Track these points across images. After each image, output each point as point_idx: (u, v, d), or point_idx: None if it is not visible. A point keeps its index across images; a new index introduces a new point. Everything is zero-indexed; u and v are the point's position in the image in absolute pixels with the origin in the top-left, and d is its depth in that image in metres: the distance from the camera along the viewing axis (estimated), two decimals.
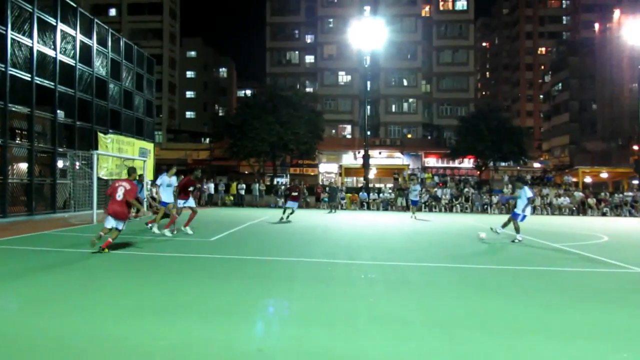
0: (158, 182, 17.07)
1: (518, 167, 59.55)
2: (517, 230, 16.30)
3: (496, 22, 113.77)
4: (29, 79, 21.75)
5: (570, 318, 6.96)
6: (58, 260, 10.77)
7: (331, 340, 5.70)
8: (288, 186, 23.07)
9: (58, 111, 23.62)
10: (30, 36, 21.85)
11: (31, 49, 21.85)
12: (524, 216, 16.24)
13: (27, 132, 21.94)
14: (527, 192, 16.16)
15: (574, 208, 40.22)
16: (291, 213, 24.31)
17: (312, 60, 71.41)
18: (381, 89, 67.54)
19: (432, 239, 17.39)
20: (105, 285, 8.39)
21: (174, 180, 17.01)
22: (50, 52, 23.22)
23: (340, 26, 65.71)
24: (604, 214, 39.30)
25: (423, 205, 38.70)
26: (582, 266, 11.73)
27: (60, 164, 24.12)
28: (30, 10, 21.84)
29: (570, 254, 13.76)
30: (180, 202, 16.55)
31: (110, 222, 11.79)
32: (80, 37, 25.56)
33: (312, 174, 60.99)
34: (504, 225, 16.52)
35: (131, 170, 13.18)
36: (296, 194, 24.62)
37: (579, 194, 41.60)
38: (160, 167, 19.16)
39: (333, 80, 68.76)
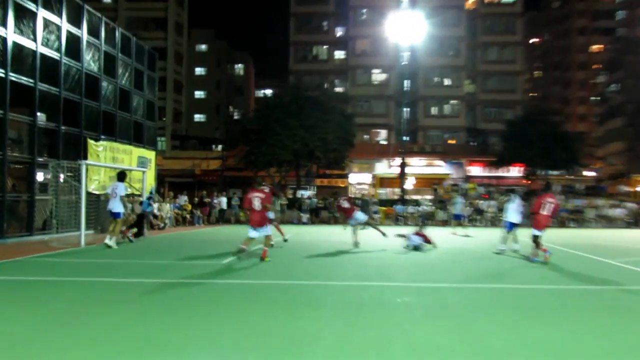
0: (122, 192, 19.04)
1: (570, 176, 60.62)
2: (505, 241, 18.66)
3: (546, 17, 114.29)
4: (3, 74, 20.85)
5: (634, 345, 7.08)
6: (36, 292, 10.67)
7: None
8: (341, 199, 21.65)
9: (38, 113, 22.79)
10: (4, 24, 20.94)
11: (4, 39, 20.93)
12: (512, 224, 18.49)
13: None
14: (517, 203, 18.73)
15: (631, 220, 40.47)
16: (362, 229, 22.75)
17: (343, 56, 71.41)
18: (420, 89, 67.47)
19: (476, 257, 17.75)
20: (94, 321, 8.10)
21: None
22: (29, 44, 22.28)
23: (375, 18, 65.72)
24: None
25: (466, 219, 37.90)
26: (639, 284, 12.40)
27: (40, 176, 23.35)
28: None
29: (626, 271, 14.42)
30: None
31: (253, 233, 15.03)
32: (66, 26, 24.76)
33: (342, 185, 61.33)
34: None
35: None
36: (348, 205, 21.31)
37: (632, 205, 42.29)
38: (122, 173, 19.38)
39: (366, 79, 68.67)
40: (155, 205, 30.44)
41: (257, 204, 14.83)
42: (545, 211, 16.35)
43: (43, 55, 22.94)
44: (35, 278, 12.23)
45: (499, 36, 70.41)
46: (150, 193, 26.39)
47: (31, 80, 22.19)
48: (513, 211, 18.41)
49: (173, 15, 77.87)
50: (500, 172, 61.33)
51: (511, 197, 19.01)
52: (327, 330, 7.46)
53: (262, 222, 15.01)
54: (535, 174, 56.34)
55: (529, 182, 56.87)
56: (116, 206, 18.95)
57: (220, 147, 70.59)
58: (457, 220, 31.07)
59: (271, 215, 18.12)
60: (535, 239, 16.29)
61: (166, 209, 32.84)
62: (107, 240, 18.44)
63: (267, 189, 16.02)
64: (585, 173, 68.41)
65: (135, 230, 22.11)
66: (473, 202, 42.09)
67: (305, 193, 52.47)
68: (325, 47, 71.85)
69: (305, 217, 40.07)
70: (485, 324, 7.98)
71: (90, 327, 7.57)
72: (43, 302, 9.55)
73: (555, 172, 57.96)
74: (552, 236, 27.09)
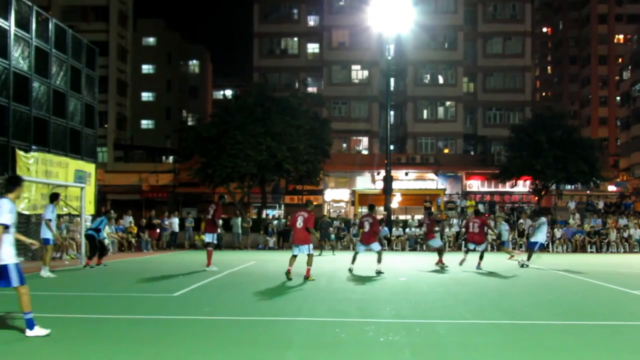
0: (49, 216, 19.94)
1: (588, 191, 59.70)
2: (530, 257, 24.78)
3: (559, 2, 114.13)
4: None
5: None
6: None
7: None
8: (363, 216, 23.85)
9: None
10: None
11: None
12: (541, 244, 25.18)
13: None
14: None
15: None
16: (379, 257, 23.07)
17: (316, 50, 71.95)
18: (409, 89, 68.06)
19: (476, 288, 17.92)
20: None
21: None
22: None
23: (355, 4, 65.51)
24: None
25: (464, 241, 38.24)
26: None
27: None
28: None
29: None
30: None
31: (296, 250, 18.66)
32: None
33: (315, 203, 59.69)
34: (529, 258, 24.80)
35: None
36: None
37: None
38: (54, 194, 20.02)
39: (344, 76, 68.98)
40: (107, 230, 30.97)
41: (299, 222, 18.40)
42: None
43: None
44: None
45: (503, 25, 70.63)
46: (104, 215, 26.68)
47: None
48: (542, 232, 24.81)
49: (116, 4, 78.02)
50: (505, 187, 60.96)
51: (541, 220, 25.00)
52: None
53: (305, 242, 18.53)
54: (547, 189, 55.29)
55: (537, 198, 56.02)
56: (43, 231, 19.91)
57: (171, 158, 70.62)
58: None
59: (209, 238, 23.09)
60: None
61: (106, 232, 33.06)
62: (41, 272, 18.97)
63: (310, 211, 19.09)
64: (606, 187, 67.46)
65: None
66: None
67: (272, 212, 52.81)
68: (295, 39, 72.04)
69: (271, 241, 40.43)
70: None
71: None
72: None
73: (570, 187, 57.65)
74: (567, 262, 27.90)
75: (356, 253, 22.52)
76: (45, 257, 19.59)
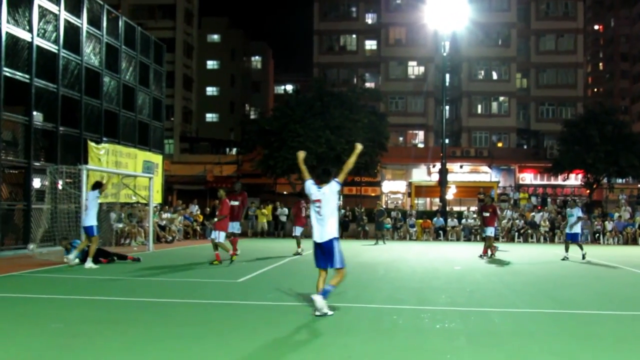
0: (91, 197, 18.17)
1: (639, 185, 59.31)
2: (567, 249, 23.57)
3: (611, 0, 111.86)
4: None
5: None
6: (31, 310, 10.86)
7: None
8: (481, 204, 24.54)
9: (34, 113, 23.28)
10: None
11: None
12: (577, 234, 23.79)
13: None
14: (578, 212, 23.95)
15: None
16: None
17: (374, 47, 71.51)
18: (463, 84, 67.34)
19: (529, 278, 17.57)
20: (96, 344, 8.21)
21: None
22: (24, 35, 22.87)
23: (412, 2, 64.45)
24: None
25: (517, 233, 39.12)
26: None
27: (36, 183, 23.75)
28: None
29: None
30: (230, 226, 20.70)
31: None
32: (65, 14, 25.31)
33: (373, 194, 60.79)
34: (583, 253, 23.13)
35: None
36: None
37: None
38: (98, 182, 18.83)
39: (401, 72, 68.60)
40: (164, 215, 31.16)
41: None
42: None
43: (39, 48, 23.44)
44: (31, 295, 12.49)
45: (556, 22, 69.57)
46: None
47: (26, 76, 22.71)
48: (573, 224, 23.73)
49: (182, 2, 78.41)
50: (557, 181, 60.67)
51: (571, 211, 24.33)
52: (356, 359, 7.51)
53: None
54: (599, 182, 54.56)
55: (589, 192, 55.45)
56: (85, 219, 17.96)
57: (235, 150, 70.72)
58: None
59: (236, 229, 21.60)
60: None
61: (177, 221, 33.31)
62: (86, 264, 17.41)
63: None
64: None
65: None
66: (525, 214, 41.64)
67: None
68: (353, 36, 71.82)
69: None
70: (539, 354, 7.91)
71: (91, 351, 7.74)
72: (39, 322, 9.66)
73: (621, 181, 57.03)
74: (618, 254, 27.42)
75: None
76: (86, 246, 17.86)
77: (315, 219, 10.68)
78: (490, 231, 23.91)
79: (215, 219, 19.88)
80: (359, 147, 11.11)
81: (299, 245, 24.63)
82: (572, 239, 23.62)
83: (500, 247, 29.76)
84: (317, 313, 10.13)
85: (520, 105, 69.19)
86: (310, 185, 10.78)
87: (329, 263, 10.53)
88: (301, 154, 11.54)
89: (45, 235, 22.68)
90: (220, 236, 19.29)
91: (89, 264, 17.41)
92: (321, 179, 10.82)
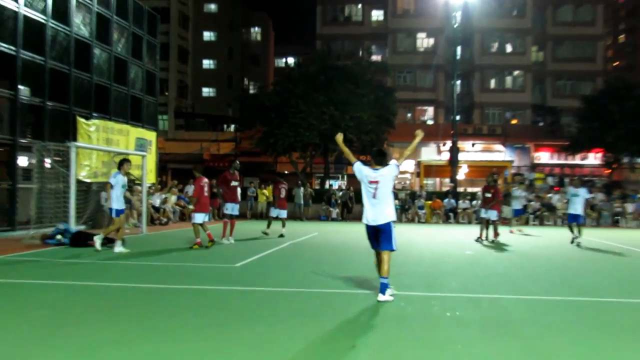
0: (112, 181, 17.82)
1: None
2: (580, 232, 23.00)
3: None
4: None
5: None
6: (16, 296, 10.93)
7: None
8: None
9: (20, 87, 23.27)
10: None
11: None
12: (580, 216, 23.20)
13: None
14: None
15: None
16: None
17: (381, 17, 71.33)
18: (476, 58, 67.33)
19: (543, 263, 17.63)
20: (83, 332, 8.20)
21: (126, 180, 18.34)
22: (9, 4, 22.79)
23: None
24: None
25: (532, 216, 39.15)
26: None
27: (23, 161, 23.81)
28: None
29: None
30: (230, 207, 21.46)
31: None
32: None
33: None
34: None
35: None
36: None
37: None
38: (122, 160, 18.52)
39: (409, 45, 68.45)
40: (156, 196, 31.12)
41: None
42: None
43: (26, 18, 23.36)
44: (16, 280, 12.52)
45: None
46: None
47: (12, 47, 22.67)
48: (573, 204, 23.46)
49: None
50: (575, 160, 60.49)
51: (571, 190, 23.93)
52: (360, 349, 7.49)
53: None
54: (619, 162, 54.63)
55: (609, 171, 55.56)
56: (111, 200, 17.64)
57: (233, 127, 70.84)
58: (516, 216, 31.33)
59: (235, 210, 21.72)
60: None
61: (171, 202, 33.30)
62: (115, 248, 17.51)
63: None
64: None
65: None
66: (542, 195, 41.68)
67: (335, 183, 52.57)
68: (359, 5, 71.62)
69: (334, 212, 40.51)
70: (557, 344, 7.89)
71: (78, 340, 7.71)
72: (24, 308, 9.74)
73: None
74: (638, 237, 27.30)
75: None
76: (110, 228, 17.95)
77: (368, 202, 10.97)
78: (494, 215, 23.79)
79: (191, 206, 20.70)
80: (420, 134, 11.81)
81: (268, 226, 25.14)
82: (575, 220, 23.28)
83: (517, 230, 29.85)
84: (382, 299, 10.46)
85: (536, 80, 69.02)
86: (362, 167, 11.10)
87: (385, 245, 10.78)
88: (340, 137, 12.07)
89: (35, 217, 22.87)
90: (195, 217, 19.42)
91: (119, 248, 17.60)
92: (376, 160, 11.23)
